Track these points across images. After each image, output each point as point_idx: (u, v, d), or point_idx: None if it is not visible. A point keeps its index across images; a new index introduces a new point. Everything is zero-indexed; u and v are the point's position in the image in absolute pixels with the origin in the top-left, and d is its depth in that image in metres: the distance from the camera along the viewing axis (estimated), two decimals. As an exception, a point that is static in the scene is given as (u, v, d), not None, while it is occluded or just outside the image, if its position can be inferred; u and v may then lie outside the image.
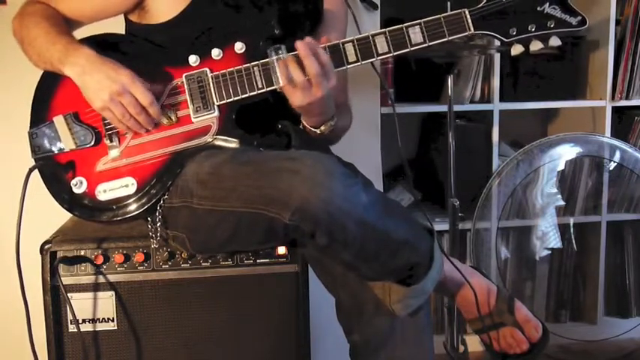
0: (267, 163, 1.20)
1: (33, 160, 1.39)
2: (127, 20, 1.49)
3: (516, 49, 1.32)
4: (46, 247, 1.40)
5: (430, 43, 1.29)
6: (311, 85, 1.26)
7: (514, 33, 1.29)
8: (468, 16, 1.28)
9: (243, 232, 1.24)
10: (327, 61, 1.26)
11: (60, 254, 1.39)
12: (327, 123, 1.37)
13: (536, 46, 1.31)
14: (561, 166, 2.44)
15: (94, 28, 1.45)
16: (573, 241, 2.49)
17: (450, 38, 1.29)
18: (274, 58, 1.28)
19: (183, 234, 1.33)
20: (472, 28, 1.29)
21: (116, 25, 1.47)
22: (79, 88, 1.31)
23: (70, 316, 1.40)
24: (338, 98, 1.45)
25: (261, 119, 1.37)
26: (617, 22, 2.41)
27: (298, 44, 1.26)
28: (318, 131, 1.37)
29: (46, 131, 1.37)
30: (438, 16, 1.29)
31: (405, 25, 1.29)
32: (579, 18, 1.28)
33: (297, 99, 1.27)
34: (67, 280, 1.39)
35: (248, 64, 1.32)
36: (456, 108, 2.19)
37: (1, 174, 2.02)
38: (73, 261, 1.40)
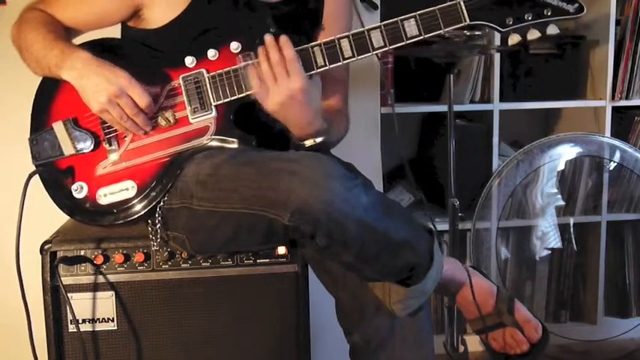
0: (267, 164, 1.20)
1: (33, 164, 1.39)
2: (123, 25, 1.49)
3: (513, 39, 1.30)
4: (46, 247, 1.40)
5: (426, 36, 1.29)
6: (275, 79, 1.25)
7: (510, 22, 1.28)
8: (464, 7, 1.27)
9: (243, 232, 1.24)
10: (291, 56, 1.25)
11: (60, 254, 1.39)
12: (313, 139, 1.34)
13: (533, 35, 1.29)
14: (561, 166, 2.44)
15: (92, 33, 1.45)
16: (573, 241, 2.49)
17: (447, 29, 1.28)
18: (244, 63, 1.30)
19: (183, 235, 1.33)
20: (468, 19, 1.28)
21: (112, 30, 1.47)
22: (78, 92, 1.31)
23: (69, 316, 1.40)
24: (332, 104, 1.44)
25: (260, 119, 1.37)
26: (617, 22, 2.40)
27: (267, 36, 1.27)
28: (305, 144, 1.35)
29: (45, 137, 1.37)
30: (433, 8, 1.28)
31: (400, 18, 1.29)
32: (576, 5, 1.26)
33: (267, 99, 1.27)
34: (67, 280, 1.39)
35: (244, 63, 1.32)
36: (456, 108, 2.19)
37: (2, 174, 2.02)
38: (73, 261, 1.40)
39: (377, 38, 1.29)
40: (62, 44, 1.34)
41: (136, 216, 1.34)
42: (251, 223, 1.20)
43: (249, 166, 1.23)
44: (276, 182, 1.15)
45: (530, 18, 1.27)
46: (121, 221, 1.34)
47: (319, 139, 1.34)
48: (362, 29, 1.30)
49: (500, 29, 1.29)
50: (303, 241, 1.21)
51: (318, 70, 1.31)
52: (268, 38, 1.27)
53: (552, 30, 1.28)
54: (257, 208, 1.17)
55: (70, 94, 1.34)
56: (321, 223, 1.12)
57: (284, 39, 1.27)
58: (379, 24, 1.29)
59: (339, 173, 1.15)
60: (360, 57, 1.31)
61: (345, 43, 1.30)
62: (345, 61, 1.30)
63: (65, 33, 1.41)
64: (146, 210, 1.33)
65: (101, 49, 1.36)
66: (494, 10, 1.27)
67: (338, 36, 1.30)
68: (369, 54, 1.30)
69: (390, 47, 1.29)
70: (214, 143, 1.33)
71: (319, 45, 1.30)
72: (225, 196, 1.22)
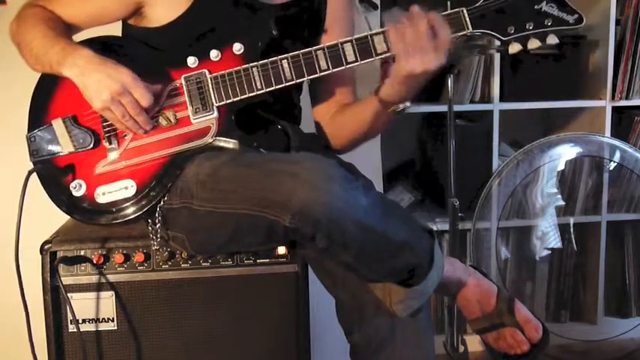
0: (268, 166, 1.20)
1: (31, 161, 1.38)
2: (124, 23, 1.49)
3: (514, 48, 1.32)
4: (46, 247, 1.40)
5: None
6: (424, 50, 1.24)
7: (512, 31, 1.29)
8: (466, 15, 1.28)
9: (242, 233, 1.24)
10: (445, 37, 1.25)
11: (60, 254, 1.39)
12: (405, 103, 1.37)
13: (534, 44, 1.31)
14: (561, 166, 2.44)
15: (91, 30, 1.45)
16: (573, 241, 2.49)
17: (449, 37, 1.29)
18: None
19: (183, 235, 1.33)
20: (470, 27, 1.29)
21: (113, 28, 1.47)
22: (79, 89, 1.30)
23: (70, 316, 1.40)
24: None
25: (261, 120, 1.37)
26: (617, 22, 2.40)
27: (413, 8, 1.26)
28: (396, 108, 1.37)
29: (44, 134, 1.37)
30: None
31: None
32: (576, 16, 1.28)
33: (406, 63, 1.26)
34: (67, 280, 1.39)
35: (247, 65, 1.32)
36: (456, 108, 2.18)
37: (2, 174, 2.01)
38: (73, 261, 1.40)
39: (380, 43, 1.29)
40: (63, 41, 1.33)
41: (134, 215, 1.34)
42: (251, 224, 1.20)
43: (250, 168, 1.23)
44: (277, 184, 1.14)
45: (531, 27, 1.29)
46: (120, 220, 1.34)
47: (408, 104, 1.37)
48: (365, 34, 1.29)
49: (502, 38, 1.30)
50: (303, 242, 1.20)
51: (322, 74, 1.31)
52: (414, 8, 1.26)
53: (552, 40, 1.31)
54: (257, 210, 1.16)
55: (69, 91, 1.33)
56: (321, 225, 1.12)
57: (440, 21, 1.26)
58: (383, 29, 1.29)
59: (339, 175, 1.14)
60: (362, 62, 1.30)
61: (348, 47, 1.30)
62: (348, 66, 1.30)
63: (66, 30, 1.40)
64: (145, 210, 1.33)
65: (102, 47, 1.35)
66: (496, 18, 1.29)
67: (341, 40, 1.30)
68: (372, 59, 1.30)
69: (394, 53, 1.29)
70: (215, 144, 1.33)
71: (322, 49, 1.30)
72: (225, 196, 1.22)
